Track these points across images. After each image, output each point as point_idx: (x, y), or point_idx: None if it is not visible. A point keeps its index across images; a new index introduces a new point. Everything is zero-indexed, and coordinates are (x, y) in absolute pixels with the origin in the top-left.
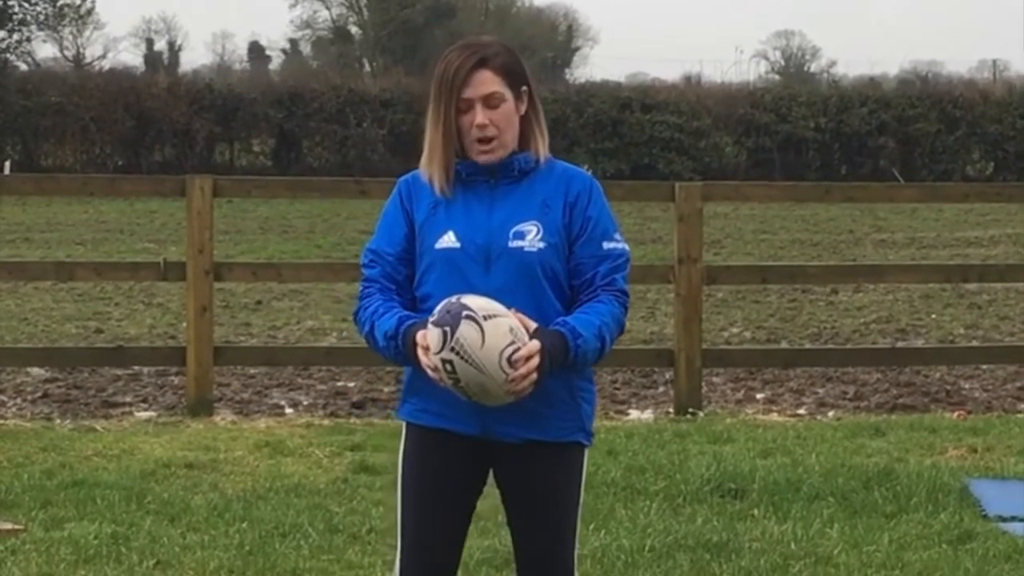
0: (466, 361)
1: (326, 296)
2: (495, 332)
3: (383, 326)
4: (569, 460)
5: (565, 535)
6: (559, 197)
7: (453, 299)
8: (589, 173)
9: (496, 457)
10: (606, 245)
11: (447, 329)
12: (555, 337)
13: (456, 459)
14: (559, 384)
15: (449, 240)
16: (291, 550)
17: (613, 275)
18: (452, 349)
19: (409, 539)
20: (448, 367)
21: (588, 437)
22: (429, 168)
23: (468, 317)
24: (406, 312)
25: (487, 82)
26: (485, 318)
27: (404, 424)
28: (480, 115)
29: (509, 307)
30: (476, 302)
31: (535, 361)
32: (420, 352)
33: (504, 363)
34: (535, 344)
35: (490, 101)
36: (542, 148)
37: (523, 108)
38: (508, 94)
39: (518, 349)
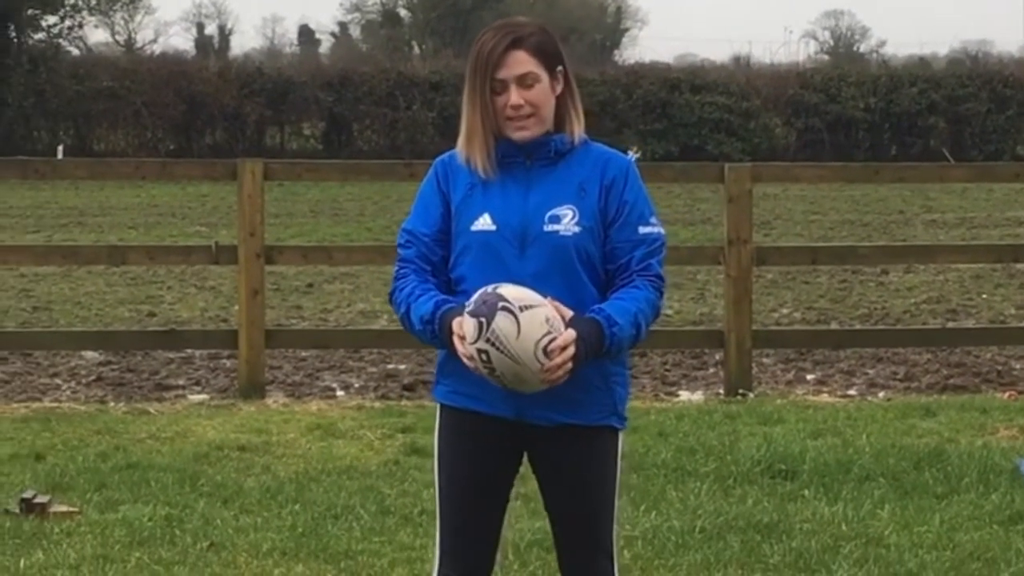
0: (501, 352)
1: (377, 279)
2: (531, 323)
3: (419, 310)
4: (602, 443)
5: (601, 518)
6: (595, 180)
7: (489, 289)
8: (632, 155)
9: (529, 440)
10: (642, 230)
11: (483, 320)
12: (591, 325)
13: (490, 441)
14: (592, 369)
15: (485, 223)
16: (343, 532)
17: (648, 260)
18: (488, 340)
19: (446, 521)
20: (484, 356)
21: (621, 421)
22: (468, 149)
23: (504, 308)
24: (443, 296)
25: (521, 62)
26: (521, 309)
27: (438, 405)
28: (515, 95)
29: (545, 295)
30: (512, 292)
31: (570, 351)
32: (456, 340)
33: (539, 353)
34: (570, 334)
35: (524, 81)
36: (577, 129)
37: (559, 88)
38: (543, 74)
39: (554, 339)
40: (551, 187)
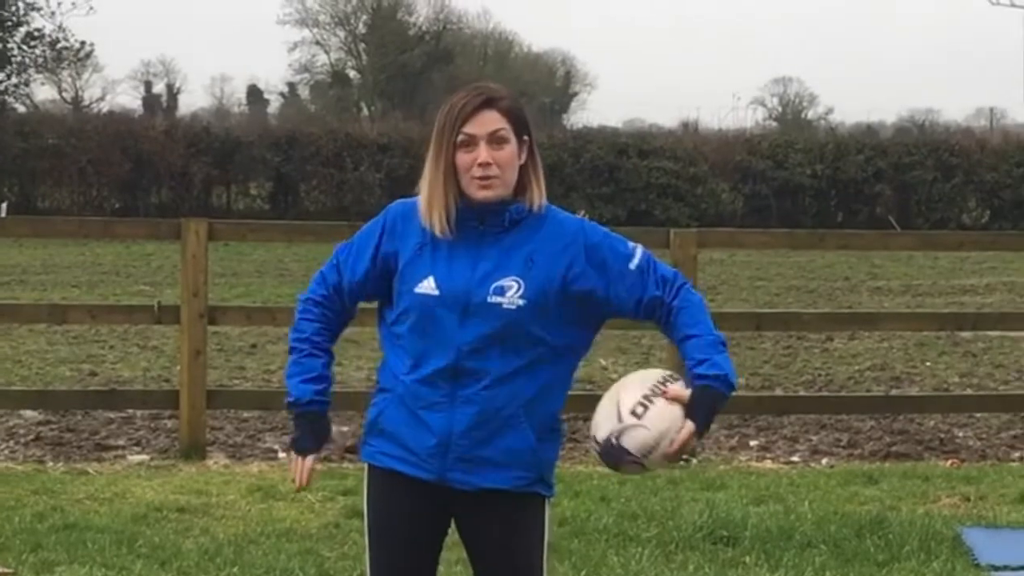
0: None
1: None
2: (655, 460)
3: (299, 384)
4: (527, 511)
5: None
6: (557, 252)
7: (612, 440)
8: (585, 217)
9: (453, 504)
10: (632, 265)
11: (612, 463)
12: (710, 398)
13: (415, 503)
14: (519, 435)
15: (428, 286)
16: None
17: (662, 274)
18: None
19: None
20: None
21: (548, 488)
22: (428, 208)
23: (632, 462)
24: (318, 390)
25: (494, 120)
26: (644, 456)
27: (366, 465)
28: (484, 153)
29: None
30: (635, 441)
31: (691, 440)
32: (298, 475)
33: (662, 458)
34: (687, 432)
35: (494, 138)
36: (537, 198)
37: (523, 157)
38: (512, 138)
39: (672, 443)
40: (499, 258)
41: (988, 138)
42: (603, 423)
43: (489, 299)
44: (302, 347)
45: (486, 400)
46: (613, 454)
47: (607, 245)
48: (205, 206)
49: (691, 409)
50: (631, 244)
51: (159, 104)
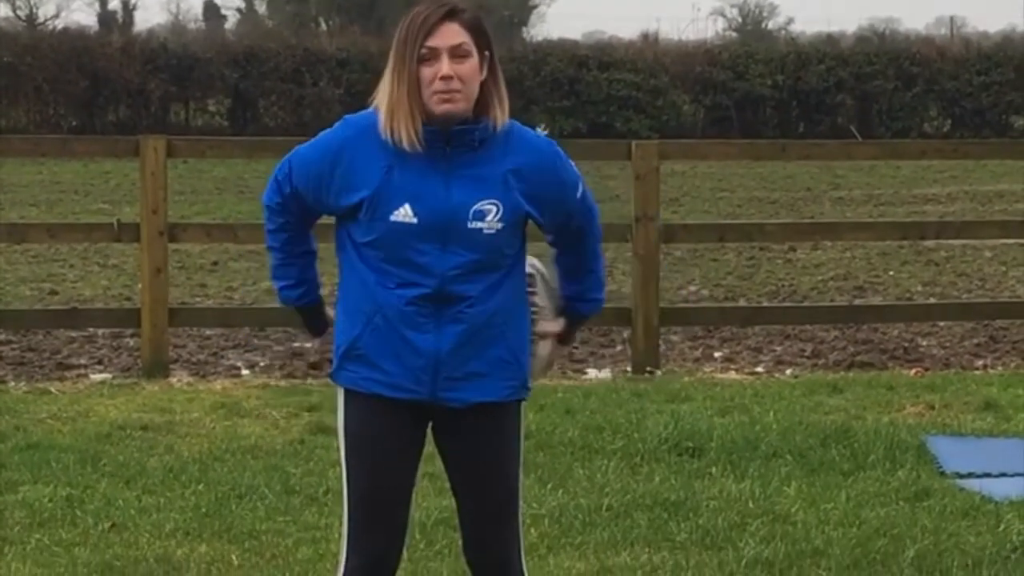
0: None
1: None
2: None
3: (282, 290)
4: (510, 417)
5: (510, 493)
6: (523, 172)
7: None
8: (546, 133)
9: (439, 420)
10: (577, 194)
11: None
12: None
13: (398, 423)
14: (502, 347)
15: (405, 214)
16: (247, 512)
17: (589, 206)
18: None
19: (354, 508)
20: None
21: (528, 391)
22: (392, 124)
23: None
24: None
25: (456, 33)
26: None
27: (341, 389)
28: (446, 66)
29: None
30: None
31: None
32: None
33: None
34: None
35: (457, 51)
36: (500, 116)
37: (484, 73)
38: (474, 51)
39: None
40: (474, 180)
41: (948, 47)
42: None
43: (470, 224)
44: (277, 255)
45: (472, 317)
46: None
47: (563, 167)
48: (163, 123)
49: (568, 332)
50: (576, 170)
51: (115, 21)
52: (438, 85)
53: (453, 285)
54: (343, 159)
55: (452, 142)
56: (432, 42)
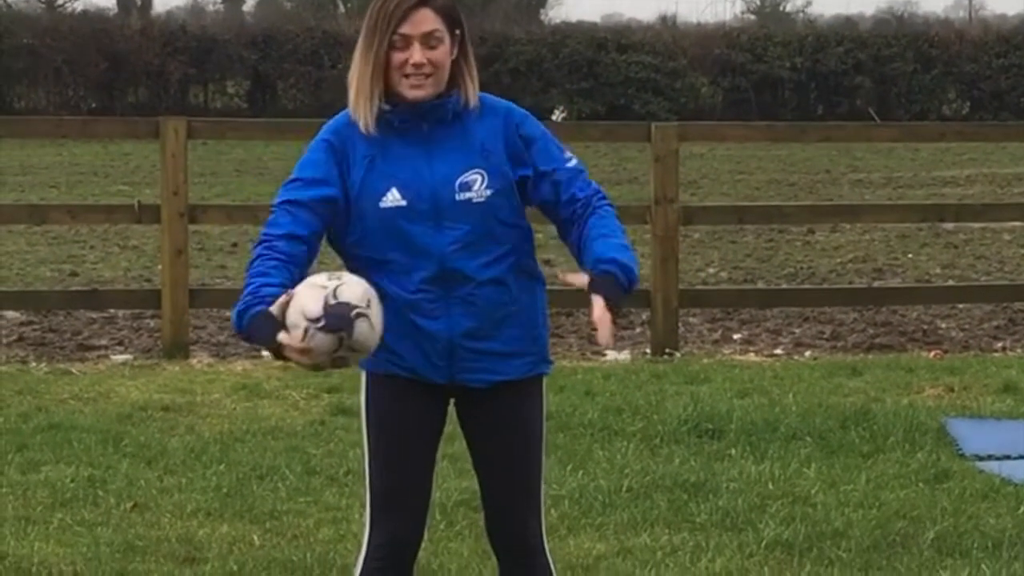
0: (360, 351)
1: None
2: (379, 312)
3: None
4: (533, 393)
5: (533, 472)
6: (498, 135)
7: (331, 300)
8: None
9: (461, 401)
10: (568, 163)
11: (343, 335)
12: (611, 287)
13: (421, 404)
14: (518, 327)
15: (394, 198)
16: (268, 492)
17: (592, 186)
18: (350, 348)
19: (377, 490)
20: (339, 361)
21: (549, 365)
22: (357, 104)
23: (359, 315)
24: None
25: (428, 20)
26: (368, 305)
27: (364, 373)
28: (418, 54)
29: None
30: (352, 292)
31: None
32: (295, 354)
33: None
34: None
35: (429, 40)
36: (471, 91)
37: (455, 52)
38: (446, 36)
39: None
40: (455, 153)
41: (967, 29)
42: (308, 304)
43: (458, 197)
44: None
45: (480, 298)
46: (338, 313)
47: (523, 120)
48: (182, 105)
49: (591, 286)
50: (541, 126)
51: (134, 3)
52: (409, 70)
53: (454, 262)
54: (338, 156)
55: (427, 118)
56: (404, 29)
